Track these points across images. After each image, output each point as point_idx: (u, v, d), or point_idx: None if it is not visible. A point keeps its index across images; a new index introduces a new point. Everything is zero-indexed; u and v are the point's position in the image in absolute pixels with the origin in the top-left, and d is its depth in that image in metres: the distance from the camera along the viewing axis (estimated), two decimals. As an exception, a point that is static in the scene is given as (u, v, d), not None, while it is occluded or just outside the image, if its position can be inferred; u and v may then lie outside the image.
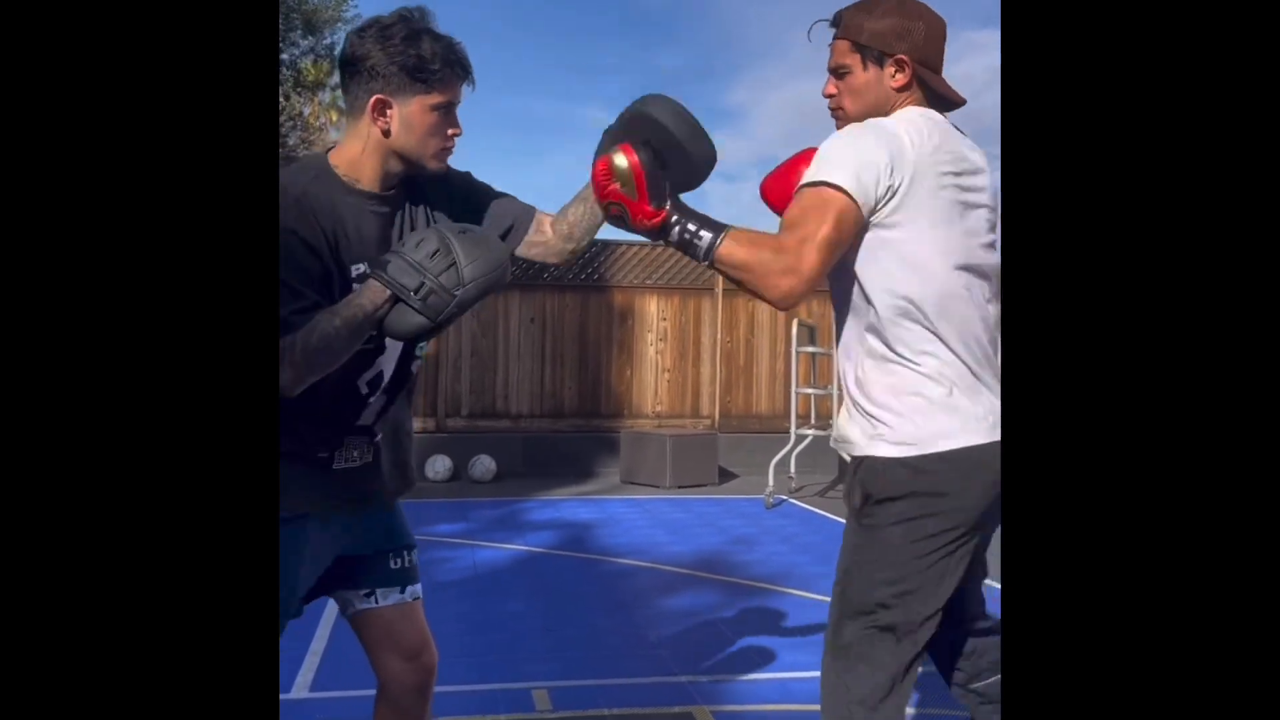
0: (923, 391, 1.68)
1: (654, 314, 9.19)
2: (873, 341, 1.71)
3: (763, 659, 3.60)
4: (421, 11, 1.66)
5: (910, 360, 1.68)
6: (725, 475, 8.55)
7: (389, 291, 1.57)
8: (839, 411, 1.84)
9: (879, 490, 1.70)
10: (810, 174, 1.65)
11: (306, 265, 1.59)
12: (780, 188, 1.85)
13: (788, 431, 7.87)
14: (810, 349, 8.03)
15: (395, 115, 1.65)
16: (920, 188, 1.65)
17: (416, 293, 1.55)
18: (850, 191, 1.61)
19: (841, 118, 1.80)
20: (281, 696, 3.11)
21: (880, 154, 1.63)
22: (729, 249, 1.65)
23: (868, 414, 1.72)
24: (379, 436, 1.82)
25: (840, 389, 1.86)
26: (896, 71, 1.73)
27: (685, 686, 3.28)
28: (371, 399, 1.76)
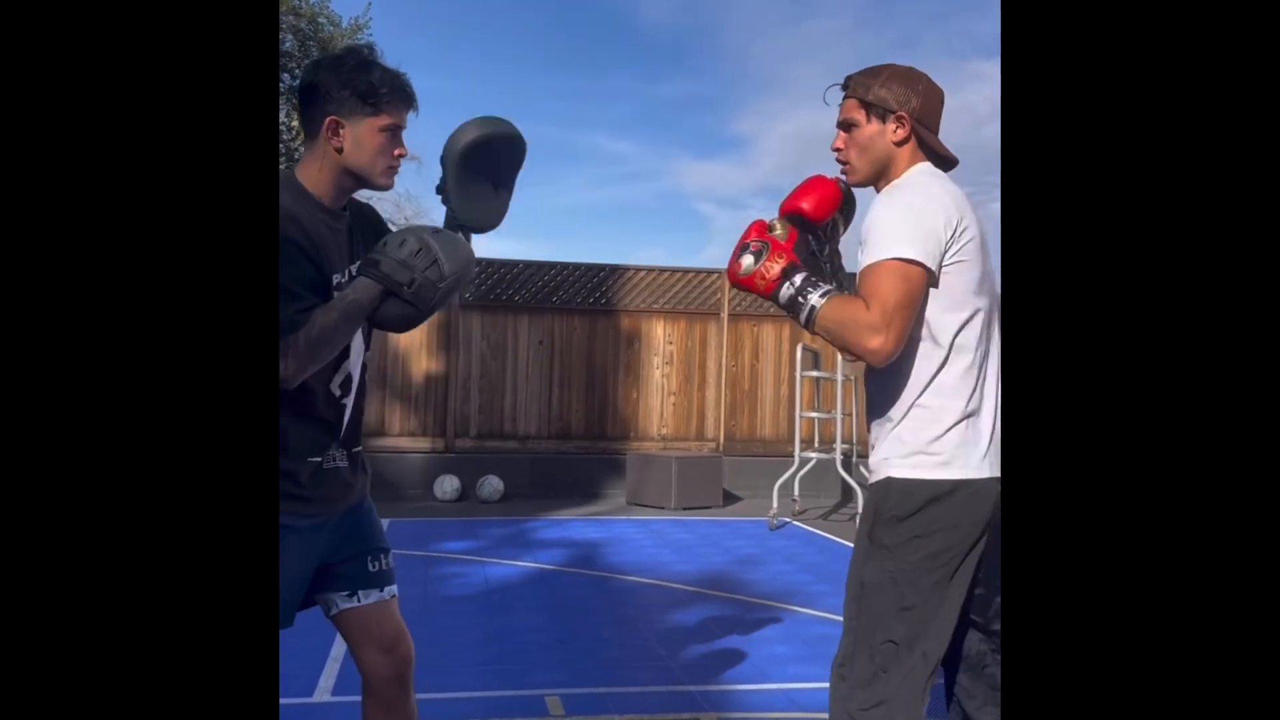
0: (951, 421, 1.82)
1: (660, 337, 9.31)
2: (908, 371, 1.84)
3: (769, 670, 3.70)
4: (370, 47, 1.88)
5: (943, 392, 1.82)
6: (730, 498, 8.65)
7: (380, 287, 1.75)
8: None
9: (893, 508, 1.83)
10: (882, 248, 1.78)
11: (305, 272, 1.77)
12: (794, 201, 2.03)
13: (791, 455, 7.97)
14: (814, 374, 8.13)
15: (348, 135, 1.82)
16: (963, 237, 1.82)
17: (409, 287, 1.75)
18: (923, 262, 1.77)
19: (849, 171, 1.98)
20: (303, 701, 3.22)
21: (938, 220, 1.80)
22: (827, 310, 1.81)
23: (897, 437, 1.85)
24: (359, 446, 1.99)
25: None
26: (897, 127, 1.90)
27: (694, 694, 3.38)
28: (344, 400, 1.93)
